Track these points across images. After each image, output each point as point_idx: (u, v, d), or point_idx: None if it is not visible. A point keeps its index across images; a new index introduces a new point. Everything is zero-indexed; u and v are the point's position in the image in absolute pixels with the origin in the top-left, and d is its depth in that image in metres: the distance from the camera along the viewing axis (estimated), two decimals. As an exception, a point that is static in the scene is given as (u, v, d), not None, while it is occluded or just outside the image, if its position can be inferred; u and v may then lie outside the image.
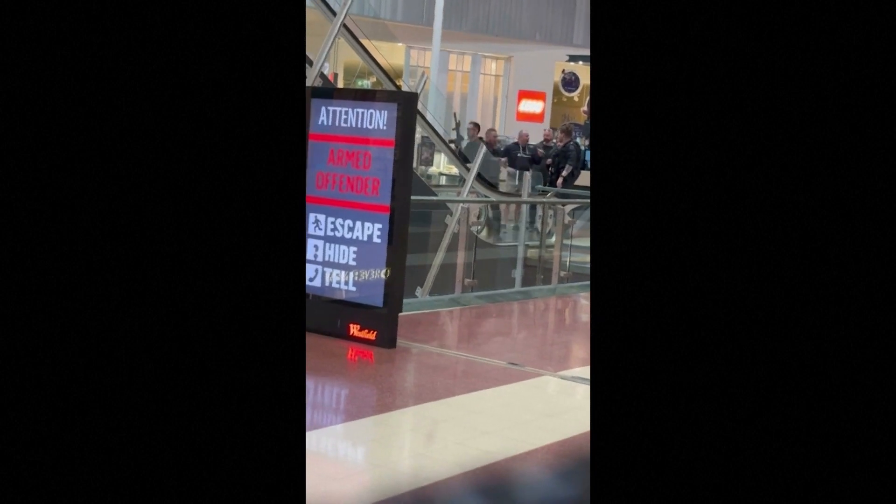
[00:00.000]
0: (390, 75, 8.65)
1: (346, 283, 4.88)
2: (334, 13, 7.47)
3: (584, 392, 4.42)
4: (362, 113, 4.81)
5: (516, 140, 13.32)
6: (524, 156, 12.53)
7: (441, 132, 10.57)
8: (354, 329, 4.82)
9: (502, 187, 11.30)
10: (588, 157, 12.62)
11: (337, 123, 4.87)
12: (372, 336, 4.79)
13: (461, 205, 8.09)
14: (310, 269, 4.95)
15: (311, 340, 4.81)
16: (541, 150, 12.74)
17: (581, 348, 5.64)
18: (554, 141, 12.95)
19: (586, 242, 8.70)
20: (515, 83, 20.16)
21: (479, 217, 9.21)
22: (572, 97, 18.14)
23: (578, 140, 13.16)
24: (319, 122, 4.91)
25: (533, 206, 9.71)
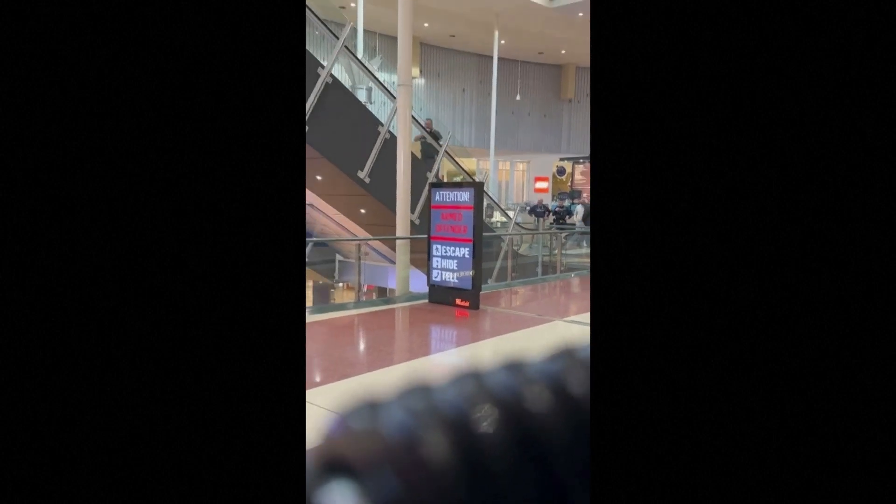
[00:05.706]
0: (469, 174, 16.15)
1: (453, 278, 8.97)
2: (440, 146, 13.69)
3: (578, 328, 7.23)
4: (456, 193, 8.97)
5: (536, 202, 24.91)
6: (539, 210, 23.53)
7: (496, 200, 19.04)
8: (458, 301, 8.84)
9: (529, 225, 21.29)
10: (572, 209, 23.77)
11: (444, 200, 9.08)
12: (466, 304, 8.73)
13: (508, 237, 14.19)
14: (435, 273, 9.17)
15: (437, 308, 9.24)
16: (546, 205, 23.88)
17: (576, 304, 9.41)
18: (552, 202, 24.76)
19: (575, 250, 17.13)
20: (533, 172, 34.60)
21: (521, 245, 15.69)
22: (563, 178, 31.83)
23: (566, 201, 24.69)
24: (436, 199, 9.20)
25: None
